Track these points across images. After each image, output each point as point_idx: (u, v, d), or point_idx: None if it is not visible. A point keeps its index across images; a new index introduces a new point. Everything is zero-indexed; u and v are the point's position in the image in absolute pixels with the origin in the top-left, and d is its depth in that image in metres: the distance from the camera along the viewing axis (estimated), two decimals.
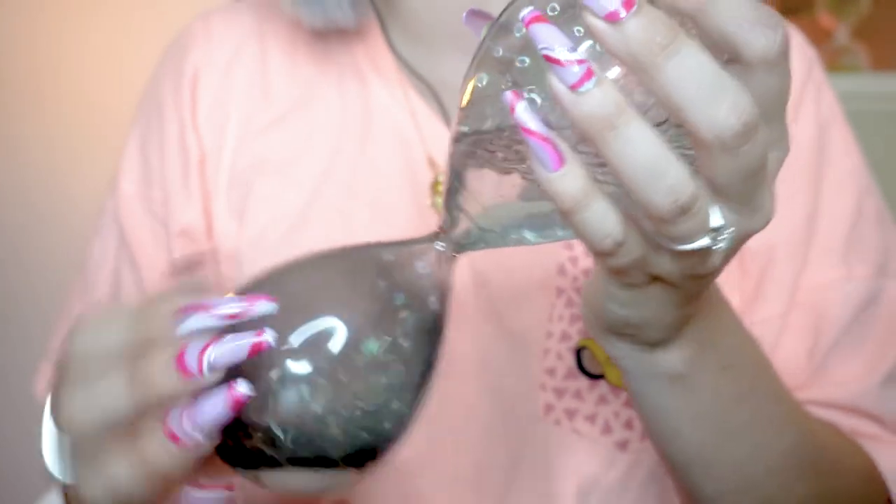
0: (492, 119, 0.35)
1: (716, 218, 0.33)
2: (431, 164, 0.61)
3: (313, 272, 0.38)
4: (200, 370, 0.33)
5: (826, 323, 0.59)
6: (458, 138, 0.37)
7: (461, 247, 0.39)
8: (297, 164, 0.62)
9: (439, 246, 0.39)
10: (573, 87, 0.30)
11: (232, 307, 0.34)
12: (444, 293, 0.39)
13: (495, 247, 0.38)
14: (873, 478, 0.56)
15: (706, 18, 0.31)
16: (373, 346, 0.36)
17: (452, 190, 0.38)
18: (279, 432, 0.35)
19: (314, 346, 0.35)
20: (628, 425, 0.57)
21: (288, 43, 0.66)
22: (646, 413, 0.46)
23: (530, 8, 0.31)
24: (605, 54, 0.32)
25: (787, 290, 0.59)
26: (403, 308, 0.37)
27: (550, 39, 0.30)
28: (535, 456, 0.58)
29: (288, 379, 0.35)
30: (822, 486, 0.51)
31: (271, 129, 0.64)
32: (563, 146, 0.32)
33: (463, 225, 0.38)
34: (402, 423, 0.37)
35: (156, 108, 0.66)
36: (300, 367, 0.35)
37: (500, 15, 0.36)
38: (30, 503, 1.05)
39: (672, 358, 0.42)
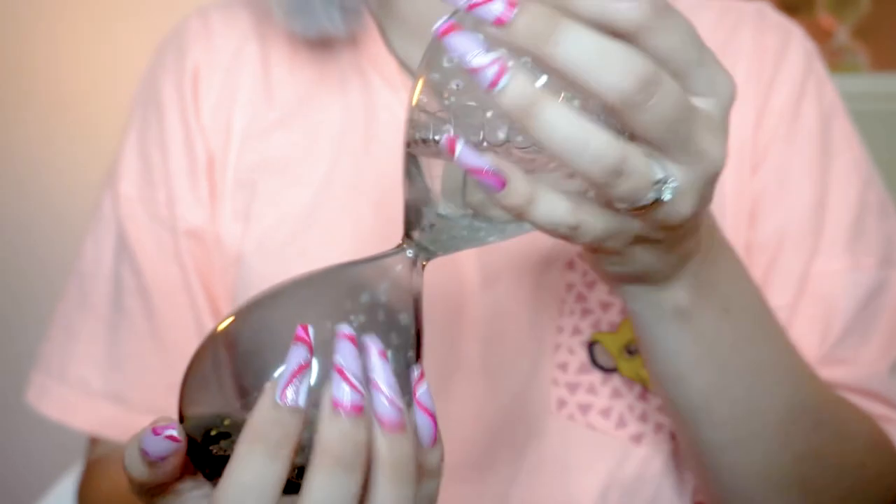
0: (434, 133, 0.37)
1: (657, 171, 0.36)
2: None
3: (286, 306, 0.39)
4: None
5: (835, 311, 0.59)
6: (410, 146, 0.38)
7: (428, 253, 0.40)
8: (302, 165, 0.62)
9: (409, 254, 0.40)
10: (490, 88, 0.33)
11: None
12: (417, 301, 0.40)
13: (460, 249, 0.40)
14: (879, 447, 0.56)
15: (572, 8, 0.34)
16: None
17: (411, 198, 0.39)
18: None
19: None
20: (643, 418, 0.57)
21: (289, 44, 0.65)
22: (654, 359, 0.48)
23: (443, 19, 0.35)
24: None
25: (795, 279, 0.60)
26: (381, 325, 0.38)
27: (461, 47, 0.34)
28: (548, 451, 0.58)
29: None
30: (823, 443, 0.51)
31: (275, 130, 0.63)
32: (504, 166, 0.35)
33: (426, 231, 0.39)
34: None
35: (155, 106, 0.65)
36: None
37: (432, 41, 0.37)
38: (29, 503, 1.05)
39: (677, 292, 0.45)
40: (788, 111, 0.61)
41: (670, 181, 0.36)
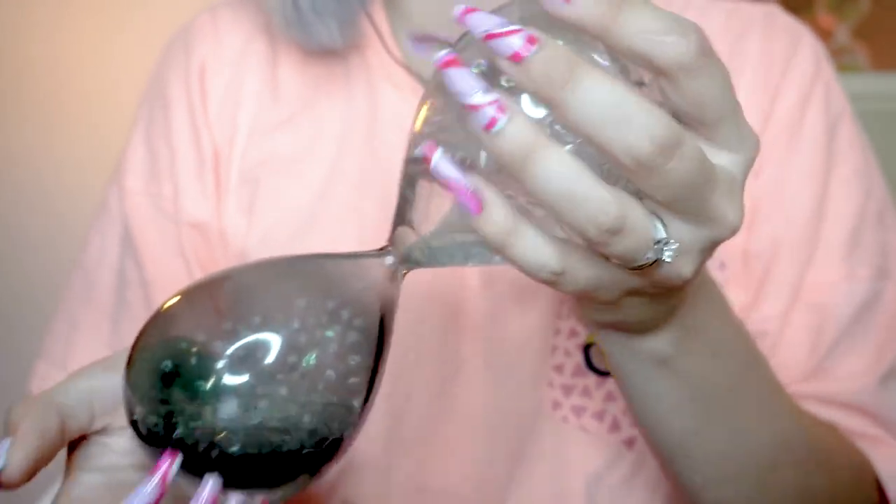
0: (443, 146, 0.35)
1: (659, 231, 0.33)
2: None
3: (255, 282, 0.38)
4: None
5: (828, 321, 0.59)
6: (409, 162, 0.37)
7: (410, 263, 0.38)
8: (307, 162, 0.62)
9: (388, 261, 0.39)
10: (486, 129, 0.31)
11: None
12: (389, 308, 0.38)
13: (444, 265, 0.38)
14: (865, 479, 0.56)
15: (613, 39, 0.31)
16: (308, 359, 0.36)
17: (402, 206, 0.38)
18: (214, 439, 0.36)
19: (249, 359, 0.35)
20: (636, 423, 0.58)
21: (296, 42, 0.66)
22: (630, 399, 0.46)
23: (445, 51, 0.32)
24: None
25: (790, 289, 0.59)
26: (343, 322, 0.37)
27: (460, 83, 0.31)
28: (542, 453, 0.58)
29: (221, 391, 0.35)
30: (806, 482, 0.51)
31: (281, 127, 0.63)
32: (484, 190, 0.32)
33: (412, 242, 0.38)
34: (335, 438, 0.37)
35: (162, 102, 0.66)
36: (234, 379, 0.35)
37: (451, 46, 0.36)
38: (31, 501, 1.05)
39: (657, 342, 0.42)
40: (793, 118, 0.61)
41: (672, 243, 0.34)
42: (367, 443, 0.59)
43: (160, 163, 0.65)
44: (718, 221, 0.34)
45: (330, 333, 0.36)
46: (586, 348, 0.58)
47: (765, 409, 0.49)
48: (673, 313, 0.41)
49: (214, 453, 0.35)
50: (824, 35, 1.75)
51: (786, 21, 0.64)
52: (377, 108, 0.63)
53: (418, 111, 0.36)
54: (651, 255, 0.33)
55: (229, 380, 0.35)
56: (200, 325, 0.36)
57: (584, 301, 0.38)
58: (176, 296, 0.38)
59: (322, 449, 0.37)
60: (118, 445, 0.40)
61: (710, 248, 0.36)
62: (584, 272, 0.35)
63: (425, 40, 0.39)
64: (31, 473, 0.36)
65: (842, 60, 1.76)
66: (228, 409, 0.35)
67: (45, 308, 0.74)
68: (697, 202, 0.33)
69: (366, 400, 0.38)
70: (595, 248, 0.33)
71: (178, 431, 0.35)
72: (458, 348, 0.59)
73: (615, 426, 0.57)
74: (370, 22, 0.63)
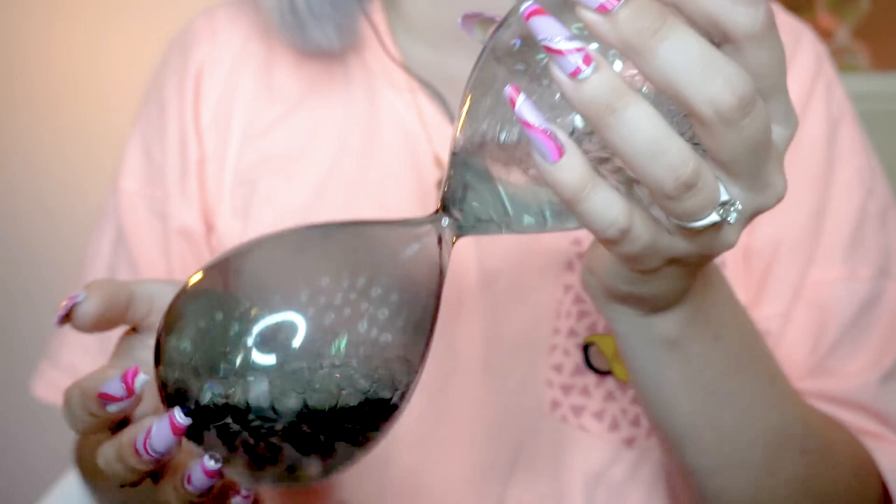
0: (492, 128, 0.36)
1: (723, 192, 0.34)
2: (438, 163, 0.61)
3: (296, 251, 0.37)
4: (147, 452, 0.37)
5: (828, 321, 0.59)
6: (455, 155, 0.37)
7: (460, 229, 0.38)
8: (303, 163, 0.62)
9: (444, 222, 0.38)
10: (572, 75, 0.31)
11: (116, 390, 0.38)
12: (439, 278, 0.38)
13: (496, 232, 0.38)
14: (866, 473, 0.56)
15: (688, 4, 0.32)
16: (341, 341, 0.35)
17: (455, 173, 0.37)
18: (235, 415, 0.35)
19: (278, 340, 0.34)
20: (635, 422, 0.58)
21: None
22: (640, 381, 0.47)
23: (529, 2, 0.32)
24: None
25: (791, 288, 0.59)
26: (391, 294, 0.36)
27: (549, 30, 0.31)
28: (541, 452, 0.58)
29: (252, 371, 0.34)
30: (809, 469, 0.51)
31: (277, 127, 0.64)
32: (564, 138, 0.33)
33: (463, 208, 0.37)
34: (382, 416, 0.36)
35: (158, 105, 0.66)
36: (264, 359, 0.34)
37: (495, 32, 0.36)
38: (31, 501, 1.05)
39: (667, 322, 0.43)
40: None
41: (736, 205, 0.34)
42: None
43: (155, 165, 0.65)
44: (770, 188, 0.35)
45: (375, 303, 0.35)
46: (585, 347, 0.58)
47: (766, 393, 0.49)
48: (687, 294, 0.42)
49: (253, 422, 0.35)
50: (824, 35, 1.75)
51: (786, 20, 0.64)
52: (376, 109, 0.63)
53: (461, 105, 0.36)
54: (715, 217, 0.34)
55: (258, 357, 0.34)
56: (238, 295, 0.35)
57: (629, 265, 0.38)
58: (217, 260, 0.37)
59: (365, 420, 0.36)
60: None
61: (753, 216, 0.37)
62: (644, 233, 0.35)
63: (472, 18, 0.40)
64: (97, 321, 0.40)
65: (842, 60, 1.75)
66: (260, 386, 0.34)
67: (40, 307, 0.74)
68: (756, 165, 0.34)
69: (416, 369, 0.37)
70: (664, 205, 0.33)
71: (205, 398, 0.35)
72: (457, 347, 0.59)
73: (614, 425, 0.57)
74: (368, 23, 0.63)
